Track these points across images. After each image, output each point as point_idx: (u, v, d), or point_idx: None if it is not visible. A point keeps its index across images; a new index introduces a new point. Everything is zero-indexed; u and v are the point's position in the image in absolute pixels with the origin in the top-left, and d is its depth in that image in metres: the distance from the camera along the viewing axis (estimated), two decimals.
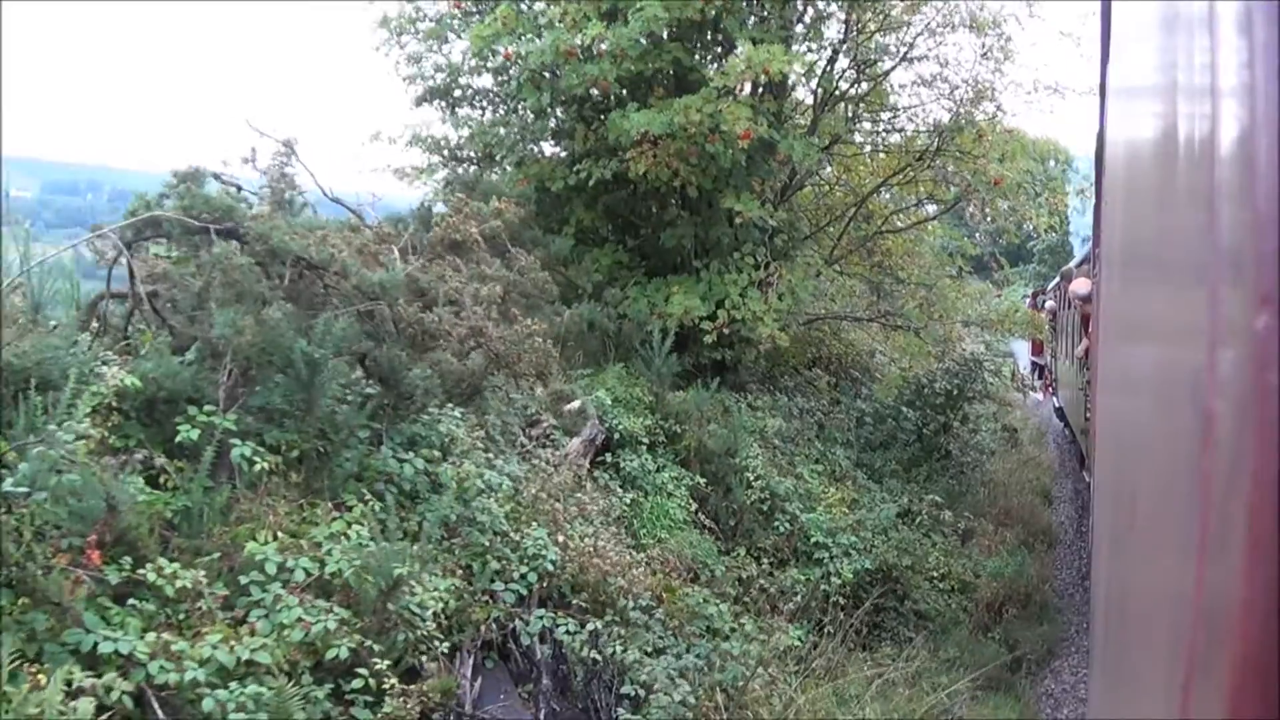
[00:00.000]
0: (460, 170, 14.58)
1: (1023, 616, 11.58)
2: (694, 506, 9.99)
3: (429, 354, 6.94)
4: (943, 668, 9.93)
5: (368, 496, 6.62)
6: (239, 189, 7.49)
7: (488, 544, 6.86)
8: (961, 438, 15.75)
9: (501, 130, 13.68)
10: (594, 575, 6.93)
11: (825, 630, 9.63)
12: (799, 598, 9.69)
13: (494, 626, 6.48)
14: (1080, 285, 13.46)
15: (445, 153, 14.67)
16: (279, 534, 6.19)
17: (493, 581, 6.82)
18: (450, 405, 7.62)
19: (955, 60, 14.47)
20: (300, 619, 5.35)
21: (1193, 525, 1.20)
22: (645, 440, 10.20)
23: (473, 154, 14.71)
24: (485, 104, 14.98)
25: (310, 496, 6.66)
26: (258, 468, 6.10)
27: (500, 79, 13.97)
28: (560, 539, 7.15)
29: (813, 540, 10.35)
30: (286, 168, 11.73)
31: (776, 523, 10.48)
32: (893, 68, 14.59)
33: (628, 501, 9.42)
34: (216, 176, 7.35)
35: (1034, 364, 30.59)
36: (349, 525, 6.39)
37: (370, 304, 6.68)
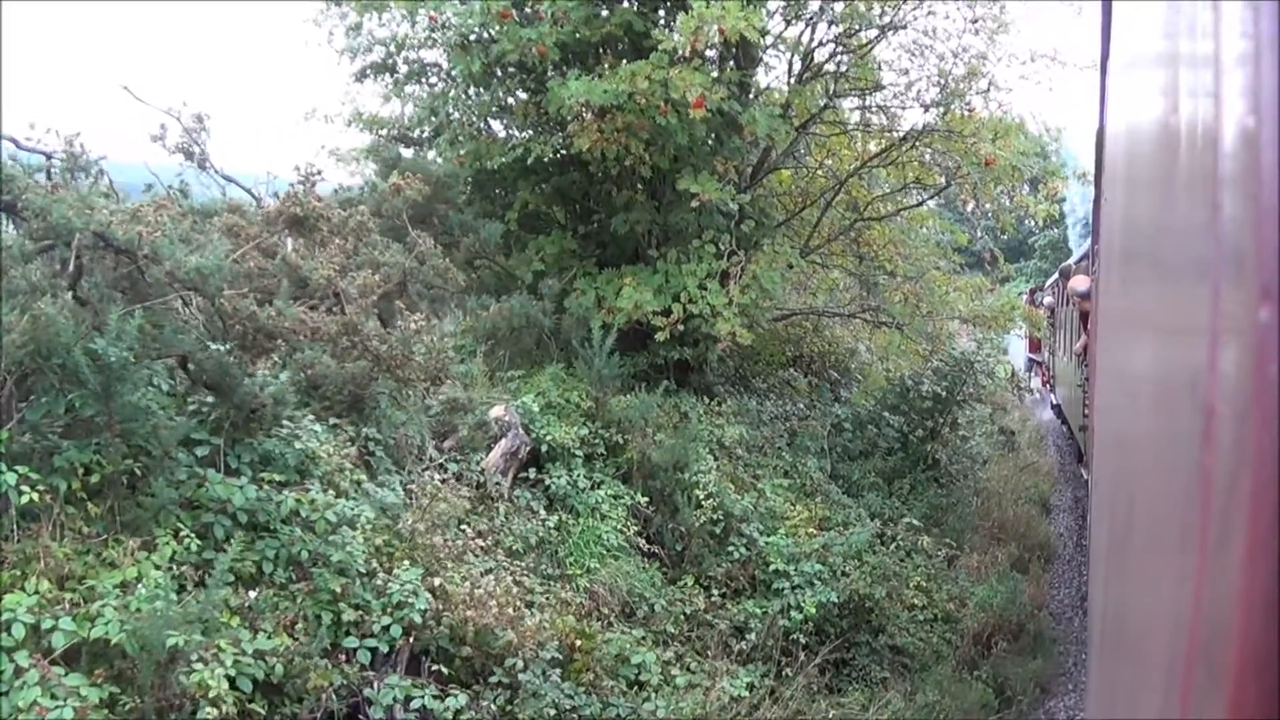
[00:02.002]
0: (408, 152, 13.26)
1: (1014, 650, 10.24)
2: (634, 529, 8.68)
3: (266, 355, 5.63)
4: (920, 715, 8.63)
5: (183, 532, 5.32)
6: (48, 157, 6.16)
7: (340, 589, 5.56)
8: (951, 444, 14.40)
9: (448, 106, 12.37)
10: (474, 628, 5.62)
11: (783, 674, 8.34)
12: (753, 635, 8.38)
13: (336, 695, 5.18)
14: (1079, 282, 12.54)
15: (385, 132, 13.33)
16: (63, 581, 4.94)
17: (346, 635, 5.53)
18: (313, 417, 6.33)
19: (944, 31, 13.11)
20: (36, 702, 4.06)
21: (1193, 523, 1.20)
22: (579, 452, 8.89)
23: (423, 133, 13.40)
24: (436, 79, 13.66)
25: (118, 531, 5.38)
26: (26, 499, 4.81)
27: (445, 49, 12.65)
28: (437, 582, 5.84)
29: (771, 568, 9.02)
30: (194, 145, 10.45)
31: (731, 547, 9.15)
32: (876, 40, 13.22)
33: (552, 525, 8.12)
34: (15, 142, 6.04)
35: (1030, 360, 29.60)
36: (156, 568, 5.12)
37: (188, 294, 5.38)
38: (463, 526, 6.56)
